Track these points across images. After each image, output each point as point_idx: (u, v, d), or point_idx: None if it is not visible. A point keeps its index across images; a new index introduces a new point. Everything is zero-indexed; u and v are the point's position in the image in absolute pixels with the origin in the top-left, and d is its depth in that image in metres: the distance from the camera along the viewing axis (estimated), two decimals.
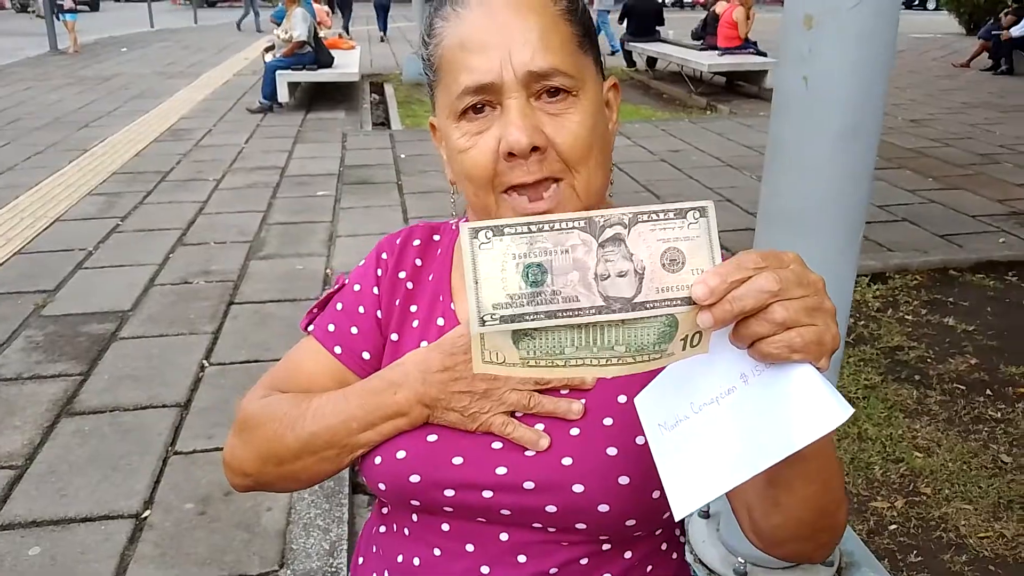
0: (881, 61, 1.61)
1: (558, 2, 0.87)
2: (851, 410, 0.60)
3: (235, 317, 4.30)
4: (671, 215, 0.63)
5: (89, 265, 5.07)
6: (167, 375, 3.67)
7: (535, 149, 0.83)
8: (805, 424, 0.60)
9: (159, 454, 3.09)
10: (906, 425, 3.36)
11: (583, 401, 0.88)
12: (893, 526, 2.79)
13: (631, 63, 14.78)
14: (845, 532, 2.36)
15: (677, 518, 0.67)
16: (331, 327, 1.01)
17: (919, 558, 2.65)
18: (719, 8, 12.31)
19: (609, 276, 0.63)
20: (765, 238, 1.87)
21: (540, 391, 0.87)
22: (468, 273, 0.63)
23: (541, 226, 0.63)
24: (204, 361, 3.79)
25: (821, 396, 0.60)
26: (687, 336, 0.64)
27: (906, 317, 4.36)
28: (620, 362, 0.65)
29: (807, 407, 0.61)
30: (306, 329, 1.04)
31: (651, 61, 14.16)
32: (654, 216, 0.63)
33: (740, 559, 2.22)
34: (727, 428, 0.65)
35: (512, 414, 0.87)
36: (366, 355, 0.99)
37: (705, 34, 12.88)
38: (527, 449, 0.86)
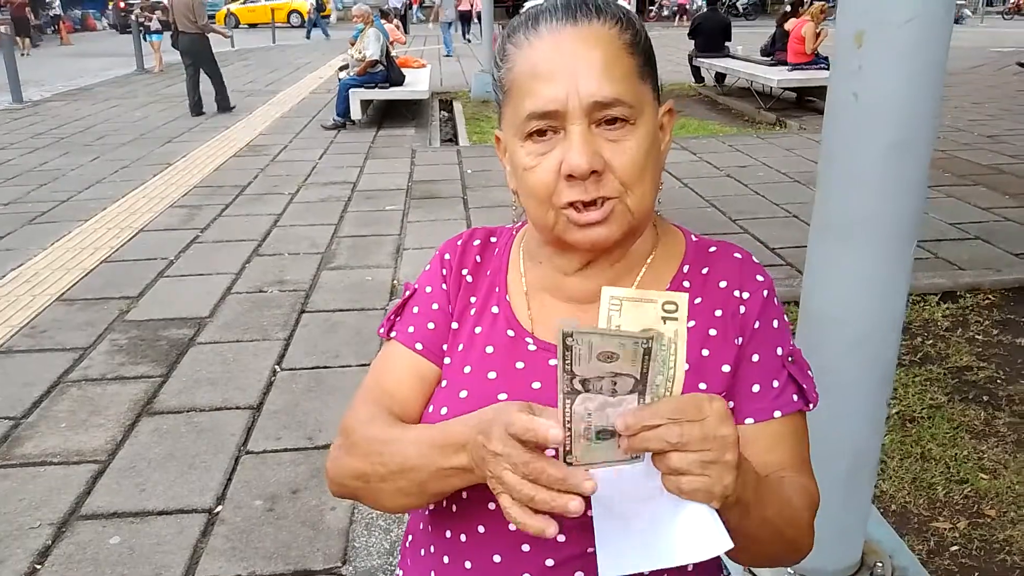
0: (931, 77, 1.62)
1: (622, 35, 0.94)
2: (730, 544, 0.74)
3: (306, 325, 4.45)
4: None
5: (170, 274, 5.32)
6: (241, 379, 3.84)
7: (594, 172, 0.91)
8: (688, 546, 0.74)
9: (231, 453, 3.24)
10: (972, 446, 3.29)
11: None
12: (955, 547, 2.74)
13: (699, 79, 14.74)
14: (899, 547, 2.35)
15: None
16: (411, 328, 1.09)
17: None
18: (789, 24, 12.20)
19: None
20: (817, 249, 1.90)
21: None
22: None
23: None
24: (276, 366, 3.95)
25: (704, 527, 0.74)
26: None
27: (976, 337, 4.26)
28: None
29: (692, 533, 0.74)
30: (388, 336, 1.11)
31: (719, 77, 14.10)
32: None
33: (789, 570, 2.22)
34: (648, 517, 0.78)
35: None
36: (445, 347, 1.08)
37: (775, 50, 12.76)
38: None
